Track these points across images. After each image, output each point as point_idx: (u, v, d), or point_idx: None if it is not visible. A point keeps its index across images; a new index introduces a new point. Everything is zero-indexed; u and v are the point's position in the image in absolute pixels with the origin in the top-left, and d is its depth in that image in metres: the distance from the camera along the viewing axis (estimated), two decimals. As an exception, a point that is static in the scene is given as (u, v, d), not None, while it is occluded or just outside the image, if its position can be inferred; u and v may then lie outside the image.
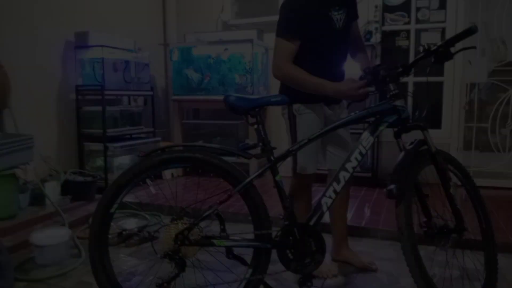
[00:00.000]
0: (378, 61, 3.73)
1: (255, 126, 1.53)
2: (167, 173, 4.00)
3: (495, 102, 3.63)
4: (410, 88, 3.85)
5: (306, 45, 1.82)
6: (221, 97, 1.66)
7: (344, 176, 1.57)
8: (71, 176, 3.24)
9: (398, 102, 1.60)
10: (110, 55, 3.49)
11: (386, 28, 3.86)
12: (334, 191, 1.56)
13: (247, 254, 1.55)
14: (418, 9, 3.79)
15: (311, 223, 1.55)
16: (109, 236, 1.59)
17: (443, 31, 3.74)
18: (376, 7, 3.79)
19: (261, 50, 4.05)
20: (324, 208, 1.55)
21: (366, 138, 1.60)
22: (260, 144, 1.53)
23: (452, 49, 1.52)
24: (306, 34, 1.81)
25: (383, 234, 2.56)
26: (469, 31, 1.44)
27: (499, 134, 3.67)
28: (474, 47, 1.61)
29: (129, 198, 2.93)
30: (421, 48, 1.56)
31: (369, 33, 3.80)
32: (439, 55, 1.52)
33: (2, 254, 1.91)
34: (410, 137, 1.63)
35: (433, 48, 1.52)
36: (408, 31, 3.84)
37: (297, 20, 1.77)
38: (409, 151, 1.57)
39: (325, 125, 1.92)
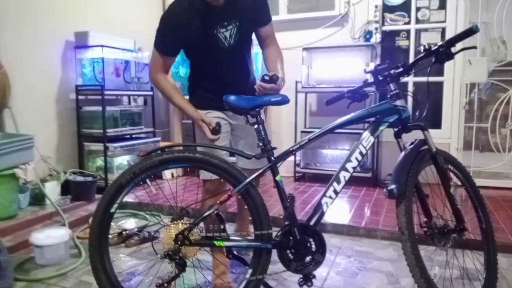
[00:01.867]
0: (378, 61, 3.73)
1: (255, 126, 1.53)
2: (167, 173, 4.01)
3: (495, 102, 3.63)
4: (410, 88, 3.85)
5: (196, 61, 1.81)
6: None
7: (344, 176, 1.57)
8: (71, 176, 3.24)
9: (399, 102, 1.60)
10: (110, 55, 3.49)
11: (386, 28, 3.86)
12: (334, 191, 1.56)
13: (248, 254, 1.55)
14: (418, 9, 3.80)
15: (311, 223, 1.55)
16: (109, 236, 1.59)
17: (443, 31, 3.74)
18: (376, 7, 3.79)
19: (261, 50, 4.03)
20: (325, 208, 1.55)
21: (367, 138, 1.60)
22: (260, 144, 1.53)
23: (453, 49, 1.52)
24: (191, 52, 1.79)
25: (383, 234, 2.56)
26: (471, 31, 1.43)
27: (499, 134, 3.67)
28: (475, 47, 1.61)
29: (129, 198, 2.93)
30: (421, 48, 1.56)
31: (369, 33, 3.80)
32: (440, 55, 1.51)
33: (2, 254, 1.92)
34: (411, 137, 1.63)
35: (434, 48, 1.52)
36: (408, 31, 3.84)
37: (171, 39, 1.68)
38: (410, 151, 1.57)
39: (232, 131, 1.89)
